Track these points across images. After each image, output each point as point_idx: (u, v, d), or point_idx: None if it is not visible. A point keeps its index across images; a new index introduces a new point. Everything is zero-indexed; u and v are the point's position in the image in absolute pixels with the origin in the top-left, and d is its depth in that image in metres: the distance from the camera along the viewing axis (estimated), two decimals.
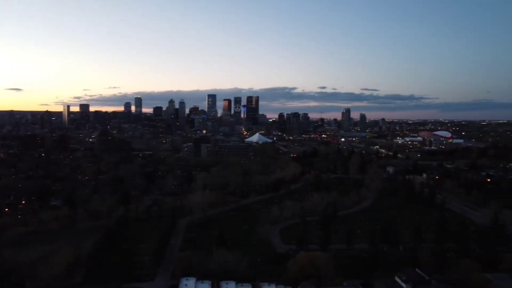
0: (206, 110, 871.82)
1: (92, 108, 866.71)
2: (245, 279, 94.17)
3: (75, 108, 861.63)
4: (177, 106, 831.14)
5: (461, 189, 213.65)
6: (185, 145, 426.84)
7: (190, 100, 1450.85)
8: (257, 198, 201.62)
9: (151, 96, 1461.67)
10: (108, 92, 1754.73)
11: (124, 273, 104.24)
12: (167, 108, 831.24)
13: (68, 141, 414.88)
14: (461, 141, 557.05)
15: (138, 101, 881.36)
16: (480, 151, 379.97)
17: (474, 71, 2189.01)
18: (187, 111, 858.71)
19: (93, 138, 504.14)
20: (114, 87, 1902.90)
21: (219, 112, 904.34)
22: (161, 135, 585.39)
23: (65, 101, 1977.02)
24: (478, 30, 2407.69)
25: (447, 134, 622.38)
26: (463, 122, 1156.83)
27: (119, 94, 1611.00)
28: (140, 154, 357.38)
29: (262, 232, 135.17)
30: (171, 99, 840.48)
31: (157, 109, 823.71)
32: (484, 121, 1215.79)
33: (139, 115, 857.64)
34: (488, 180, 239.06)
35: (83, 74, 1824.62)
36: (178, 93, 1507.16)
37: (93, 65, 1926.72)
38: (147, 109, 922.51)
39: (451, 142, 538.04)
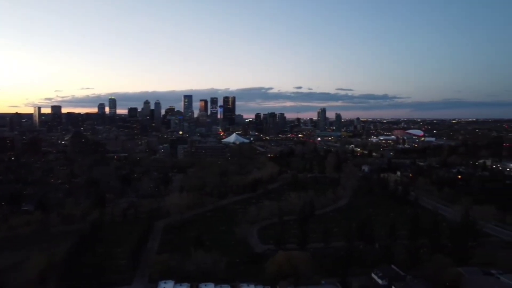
0: (182, 110, 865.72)
1: (64, 110, 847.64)
2: (224, 280, 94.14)
3: (47, 110, 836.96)
4: (152, 107, 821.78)
5: (433, 186, 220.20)
6: (161, 146, 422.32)
7: (165, 100, 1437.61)
8: (234, 198, 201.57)
9: (126, 97, 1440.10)
10: (81, 93, 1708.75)
11: (100, 278, 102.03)
12: (143, 109, 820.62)
13: (39, 144, 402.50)
14: (432, 139, 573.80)
15: (112, 102, 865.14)
16: (450, 148, 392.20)
17: (444, 71, 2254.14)
18: (163, 112, 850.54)
19: (65, 140, 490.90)
20: (87, 88, 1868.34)
21: (196, 113, 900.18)
22: (136, 137, 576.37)
23: (35, 102, 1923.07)
24: (447, 31, 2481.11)
25: (419, 132, 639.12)
26: (434, 121, 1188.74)
27: (93, 95, 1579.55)
28: (115, 156, 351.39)
29: (240, 233, 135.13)
30: (147, 100, 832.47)
31: (132, 110, 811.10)
32: (454, 119, 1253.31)
33: (114, 116, 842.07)
34: (459, 177, 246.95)
35: (54, 75, 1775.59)
36: (154, 93, 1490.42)
37: (65, 65, 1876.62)
38: (121, 110, 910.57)
39: (423, 140, 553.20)
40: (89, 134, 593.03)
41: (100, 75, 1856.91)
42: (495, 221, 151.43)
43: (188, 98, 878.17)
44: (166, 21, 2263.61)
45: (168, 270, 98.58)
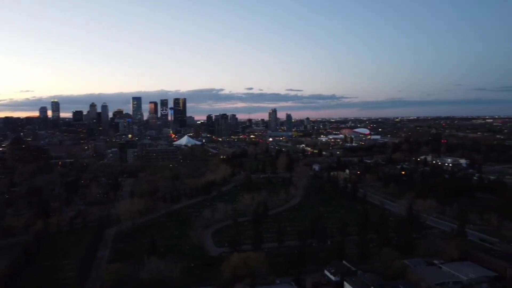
0: (131, 113, 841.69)
1: (1, 114, 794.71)
2: (180, 287, 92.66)
3: None
4: (99, 109, 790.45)
5: (379, 182, 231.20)
6: (109, 150, 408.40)
7: (113, 103, 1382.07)
8: (188, 202, 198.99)
9: (70, 100, 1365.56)
10: (20, 96, 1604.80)
11: None
12: (88, 112, 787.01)
13: None
14: (378, 137, 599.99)
15: (55, 105, 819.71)
16: (395, 146, 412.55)
17: (387, 72, 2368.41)
18: (110, 115, 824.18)
19: (3, 147, 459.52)
20: (27, 91, 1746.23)
21: (145, 115, 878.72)
22: (82, 141, 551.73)
23: None
24: (389, 34, 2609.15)
25: (366, 131, 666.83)
26: (379, 119, 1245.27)
27: (33, 98, 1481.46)
28: (60, 162, 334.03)
29: (195, 237, 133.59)
30: (93, 103, 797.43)
31: (77, 114, 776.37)
32: (397, 117, 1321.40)
33: (57, 120, 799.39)
34: (403, 172, 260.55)
35: None
36: (100, 96, 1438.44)
37: (1, 66, 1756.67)
38: (65, 114, 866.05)
39: (369, 138, 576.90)
40: (30, 139, 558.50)
41: (41, 76, 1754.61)
42: (436, 213, 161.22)
43: (137, 100, 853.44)
44: (112, 19, 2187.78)
45: (120, 279, 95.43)
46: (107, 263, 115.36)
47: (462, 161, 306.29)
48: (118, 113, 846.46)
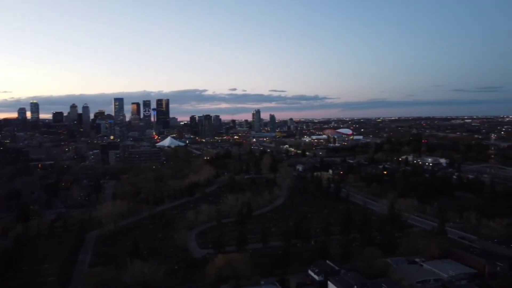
0: (113, 114, 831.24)
1: None
2: None
3: None
4: (80, 110, 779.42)
5: (362, 182, 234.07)
6: (91, 152, 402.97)
7: (94, 104, 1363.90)
8: (171, 204, 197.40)
9: (50, 101, 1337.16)
10: None
11: None
12: (69, 113, 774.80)
13: None
14: (360, 137, 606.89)
15: (35, 106, 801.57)
16: (377, 146, 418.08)
17: (369, 73, 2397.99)
18: (92, 116, 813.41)
19: None
20: (5, 92, 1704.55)
21: (128, 116, 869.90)
22: (63, 143, 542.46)
23: None
24: (372, 36, 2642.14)
25: (348, 131, 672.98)
26: (361, 120, 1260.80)
27: (11, 99, 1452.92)
28: (39, 165, 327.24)
29: (178, 239, 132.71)
30: (73, 104, 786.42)
31: (57, 115, 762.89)
32: (379, 118, 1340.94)
33: (36, 121, 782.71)
34: (385, 172, 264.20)
35: None
36: (81, 96, 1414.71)
37: None
38: (45, 115, 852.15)
39: (352, 138, 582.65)
40: (8, 141, 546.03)
41: (20, 77, 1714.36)
42: (417, 212, 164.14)
43: (119, 101, 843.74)
44: (92, 19, 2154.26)
45: (102, 283, 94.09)
46: (89, 266, 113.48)
47: (442, 161, 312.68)
48: (100, 114, 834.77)
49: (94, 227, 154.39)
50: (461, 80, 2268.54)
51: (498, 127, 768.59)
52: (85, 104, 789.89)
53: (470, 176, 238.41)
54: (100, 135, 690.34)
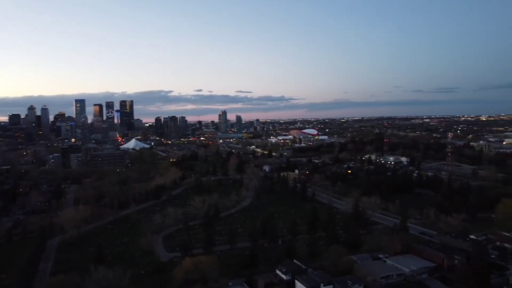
0: (74, 116, 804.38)
1: None
2: None
3: None
4: (39, 112, 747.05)
5: (327, 181, 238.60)
6: (51, 156, 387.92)
7: (54, 105, 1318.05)
8: (137, 207, 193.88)
9: (5, 102, 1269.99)
10: None
11: None
12: (27, 115, 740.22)
13: None
14: (325, 137, 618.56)
15: None
16: (341, 146, 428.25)
17: (333, 73, 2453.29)
18: (51, 118, 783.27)
19: None
20: None
21: (90, 118, 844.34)
22: (20, 147, 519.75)
23: None
24: (336, 37, 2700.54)
25: (313, 131, 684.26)
26: (326, 120, 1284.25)
27: None
28: None
29: (144, 243, 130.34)
30: (31, 105, 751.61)
31: (14, 117, 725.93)
32: (343, 118, 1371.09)
33: None
34: (349, 171, 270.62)
35: None
36: (40, 98, 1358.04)
37: None
38: (1, 117, 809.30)
39: (317, 139, 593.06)
40: None
41: None
42: (380, 209, 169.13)
43: (80, 102, 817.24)
44: (52, 16, 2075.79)
45: None
46: (51, 275, 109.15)
47: (403, 159, 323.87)
48: (60, 116, 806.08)
49: (56, 233, 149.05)
50: (420, 81, 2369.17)
51: (455, 126, 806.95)
52: (44, 105, 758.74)
53: (429, 174, 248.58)
54: (60, 138, 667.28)
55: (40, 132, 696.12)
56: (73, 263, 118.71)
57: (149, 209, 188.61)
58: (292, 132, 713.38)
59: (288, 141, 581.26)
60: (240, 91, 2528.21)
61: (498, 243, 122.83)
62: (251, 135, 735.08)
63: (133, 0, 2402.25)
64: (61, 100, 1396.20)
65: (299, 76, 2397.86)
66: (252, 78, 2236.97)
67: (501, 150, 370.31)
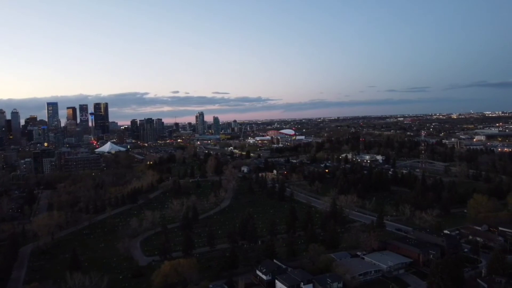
0: (46, 120, 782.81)
1: None
2: None
3: None
4: (8, 116, 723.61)
5: (305, 181, 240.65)
6: (22, 161, 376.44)
7: (25, 109, 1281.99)
8: (113, 211, 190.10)
9: None
10: None
11: None
12: None
13: None
14: (302, 137, 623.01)
15: None
16: (318, 145, 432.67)
17: (309, 74, 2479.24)
18: (22, 122, 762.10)
19: None
20: None
21: (63, 122, 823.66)
22: None
23: None
24: (311, 38, 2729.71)
25: (291, 132, 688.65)
26: (303, 120, 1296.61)
27: None
28: None
29: (122, 248, 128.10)
30: (1, 109, 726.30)
31: None
32: (319, 118, 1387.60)
33: None
34: (326, 170, 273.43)
35: None
36: (10, 101, 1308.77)
37: None
38: None
39: (294, 139, 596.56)
40: None
41: None
42: (357, 207, 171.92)
43: (52, 105, 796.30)
44: (22, 15, 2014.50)
45: None
46: (24, 283, 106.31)
47: (379, 157, 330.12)
48: (32, 120, 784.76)
49: (29, 240, 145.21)
50: (393, 80, 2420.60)
51: (427, 125, 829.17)
52: (14, 109, 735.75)
53: (404, 171, 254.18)
54: (32, 142, 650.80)
55: (11, 137, 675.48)
56: (47, 271, 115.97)
57: (126, 213, 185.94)
58: (270, 132, 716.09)
59: (266, 141, 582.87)
60: (217, 92, 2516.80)
61: (470, 237, 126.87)
62: (229, 136, 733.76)
63: (107, 0, 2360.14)
64: (33, 103, 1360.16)
65: (276, 77, 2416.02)
66: (229, 79, 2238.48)
67: (471, 147, 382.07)
